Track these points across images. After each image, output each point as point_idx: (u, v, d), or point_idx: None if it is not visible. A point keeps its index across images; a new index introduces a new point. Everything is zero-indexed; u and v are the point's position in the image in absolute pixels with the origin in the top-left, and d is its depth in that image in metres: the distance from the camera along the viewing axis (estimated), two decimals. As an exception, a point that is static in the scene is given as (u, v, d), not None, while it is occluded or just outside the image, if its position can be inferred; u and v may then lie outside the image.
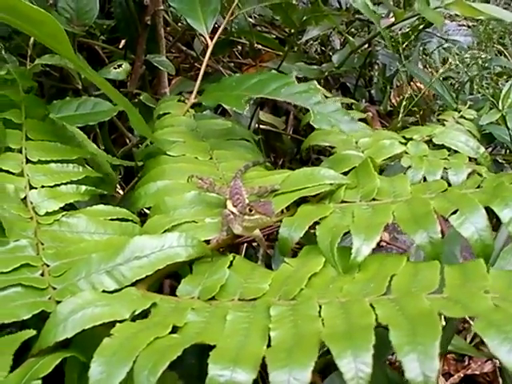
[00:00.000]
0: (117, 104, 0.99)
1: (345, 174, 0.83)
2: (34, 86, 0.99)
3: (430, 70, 1.89)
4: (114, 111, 1.00)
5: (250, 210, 0.71)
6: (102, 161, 0.94)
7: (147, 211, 0.87)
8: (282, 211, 0.78)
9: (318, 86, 1.16)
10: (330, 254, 0.66)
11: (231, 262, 0.68)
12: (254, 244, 1.07)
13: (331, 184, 0.79)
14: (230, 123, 1.09)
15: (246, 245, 1.02)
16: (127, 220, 0.78)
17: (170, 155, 0.93)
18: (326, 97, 1.15)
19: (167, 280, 0.88)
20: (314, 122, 0.86)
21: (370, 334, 0.48)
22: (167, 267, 0.65)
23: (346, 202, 0.77)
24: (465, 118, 1.22)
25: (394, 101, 1.84)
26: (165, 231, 0.72)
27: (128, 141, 1.29)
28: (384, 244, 1.25)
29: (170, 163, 0.90)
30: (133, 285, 0.62)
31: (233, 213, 0.74)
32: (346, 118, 0.86)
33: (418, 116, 1.58)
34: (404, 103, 1.47)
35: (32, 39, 1.09)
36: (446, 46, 1.86)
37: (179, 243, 0.66)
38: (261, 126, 1.46)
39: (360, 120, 1.12)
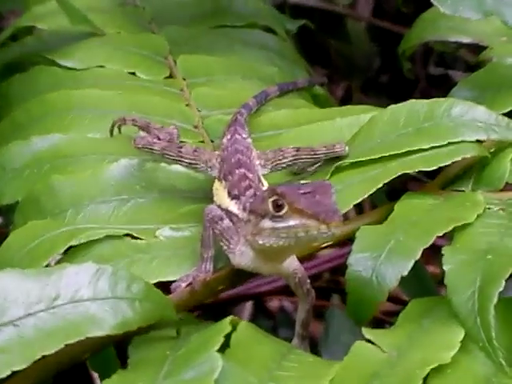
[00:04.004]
0: None
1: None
2: None
3: None
4: None
5: (279, 205, 0.49)
6: None
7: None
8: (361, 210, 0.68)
9: None
10: (479, 320, 0.51)
11: (229, 334, 0.49)
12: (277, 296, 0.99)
13: (480, 142, 0.60)
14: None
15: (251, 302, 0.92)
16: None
17: (66, 67, 0.75)
18: None
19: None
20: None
21: None
22: (63, 354, 0.46)
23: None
24: None
25: None
26: (48, 265, 0.55)
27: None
28: None
29: (67, 89, 0.71)
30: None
31: (230, 212, 0.56)
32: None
33: None
34: None
35: None
36: None
37: (96, 291, 0.46)
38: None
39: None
